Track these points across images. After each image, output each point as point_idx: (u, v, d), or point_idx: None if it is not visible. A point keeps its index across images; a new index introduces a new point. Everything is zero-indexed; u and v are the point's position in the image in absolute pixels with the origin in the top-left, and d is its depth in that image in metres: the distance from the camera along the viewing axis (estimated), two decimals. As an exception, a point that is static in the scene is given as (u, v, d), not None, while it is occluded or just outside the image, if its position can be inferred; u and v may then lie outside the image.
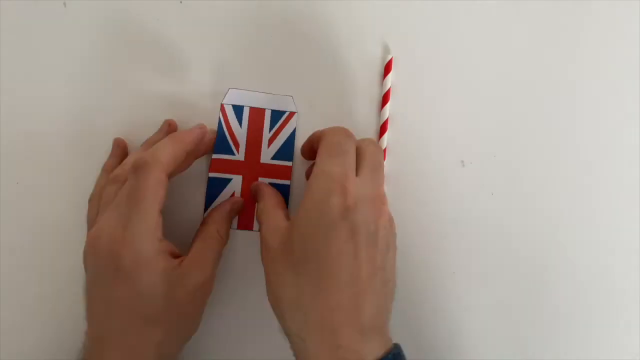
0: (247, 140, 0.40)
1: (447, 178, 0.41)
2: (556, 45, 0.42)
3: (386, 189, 0.41)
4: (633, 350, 0.42)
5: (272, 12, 0.41)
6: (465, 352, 0.42)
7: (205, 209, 0.39)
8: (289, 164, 0.40)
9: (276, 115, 0.40)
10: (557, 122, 0.42)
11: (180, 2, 0.40)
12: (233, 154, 0.39)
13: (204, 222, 0.37)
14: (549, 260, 0.42)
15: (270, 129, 0.40)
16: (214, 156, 0.39)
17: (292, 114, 0.40)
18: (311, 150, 0.37)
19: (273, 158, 0.40)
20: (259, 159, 0.40)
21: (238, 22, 0.41)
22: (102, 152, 0.39)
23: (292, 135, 0.40)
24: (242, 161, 0.39)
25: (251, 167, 0.39)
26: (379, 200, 0.33)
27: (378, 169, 0.34)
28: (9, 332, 0.38)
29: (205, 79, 0.41)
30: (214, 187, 0.39)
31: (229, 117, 0.40)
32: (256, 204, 0.39)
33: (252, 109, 0.40)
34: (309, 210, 0.32)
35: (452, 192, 0.41)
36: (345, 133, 0.34)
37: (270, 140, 0.40)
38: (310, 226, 0.31)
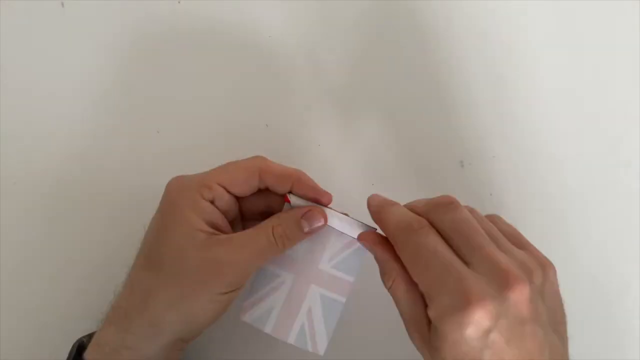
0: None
1: (446, 178, 0.41)
2: (556, 45, 0.42)
3: (386, 190, 0.41)
4: (633, 350, 0.42)
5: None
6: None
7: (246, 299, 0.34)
8: (350, 278, 0.34)
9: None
10: (557, 122, 0.42)
11: (179, 2, 0.40)
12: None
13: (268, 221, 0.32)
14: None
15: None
16: None
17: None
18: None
19: (333, 267, 0.34)
20: (318, 262, 0.34)
21: (237, 22, 0.41)
22: (104, 150, 0.40)
23: (361, 250, 0.33)
24: (297, 259, 0.34)
25: (306, 268, 0.34)
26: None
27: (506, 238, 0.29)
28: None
29: (199, 79, 0.41)
30: (259, 279, 0.34)
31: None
32: (380, 260, 0.31)
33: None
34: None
35: (452, 193, 0.41)
36: (413, 225, 0.28)
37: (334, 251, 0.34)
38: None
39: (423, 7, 0.41)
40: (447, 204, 0.29)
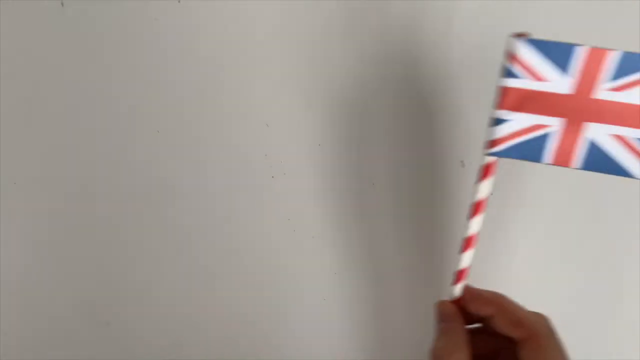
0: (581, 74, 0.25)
1: (447, 178, 0.41)
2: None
3: (386, 190, 0.41)
4: (633, 350, 0.42)
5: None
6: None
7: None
8: None
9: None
10: (557, 121, 0.42)
11: (179, 1, 0.40)
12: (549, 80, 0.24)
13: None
14: (547, 260, 0.42)
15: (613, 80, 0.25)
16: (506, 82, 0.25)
17: None
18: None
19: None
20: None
21: (237, 22, 0.41)
22: (104, 149, 0.40)
23: None
24: (568, 95, 0.25)
25: (585, 104, 0.25)
26: None
27: None
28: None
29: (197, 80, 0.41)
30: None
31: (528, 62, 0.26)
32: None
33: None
34: None
35: (452, 192, 0.41)
36: None
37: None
38: None
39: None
40: None
